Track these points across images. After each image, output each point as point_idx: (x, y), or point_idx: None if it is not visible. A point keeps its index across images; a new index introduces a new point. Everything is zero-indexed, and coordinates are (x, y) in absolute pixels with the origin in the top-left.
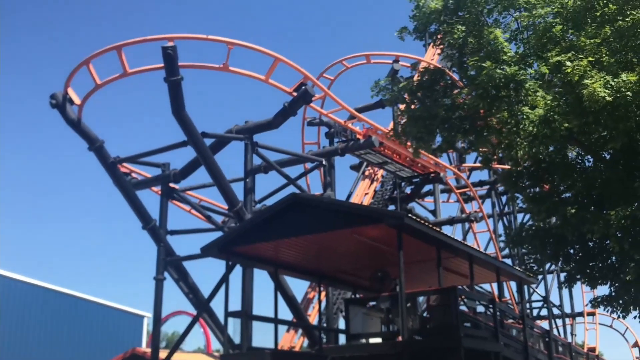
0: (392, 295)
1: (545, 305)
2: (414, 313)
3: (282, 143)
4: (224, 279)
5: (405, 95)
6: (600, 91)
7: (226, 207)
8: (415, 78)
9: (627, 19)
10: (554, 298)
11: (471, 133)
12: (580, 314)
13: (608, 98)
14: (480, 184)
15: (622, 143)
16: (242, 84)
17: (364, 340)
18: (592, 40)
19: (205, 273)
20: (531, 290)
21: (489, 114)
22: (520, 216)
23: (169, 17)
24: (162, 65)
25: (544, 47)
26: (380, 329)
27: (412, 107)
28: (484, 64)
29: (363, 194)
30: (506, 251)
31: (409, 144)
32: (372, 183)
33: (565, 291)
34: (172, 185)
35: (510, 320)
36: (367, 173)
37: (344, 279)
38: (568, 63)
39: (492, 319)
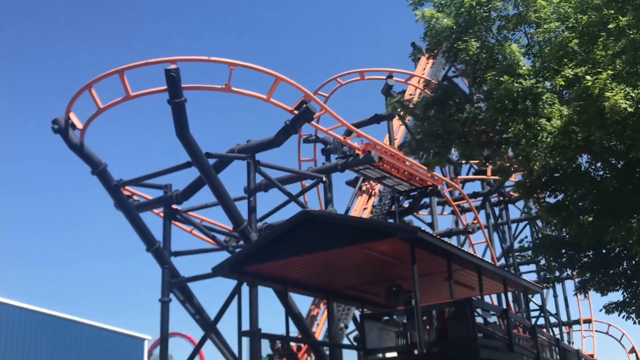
0: (407, 309)
1: (542, 314)
2: (429, 326)
3: (277, 160)
4: (231, 299)
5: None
6: (622, 103)
7: (228, 226)
8: (427, 94)
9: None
10: (550, 307)
11: (489, 146)
12: (577, 322)
13: (630, 109)
14: (474, 195)
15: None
16: (244, 103)
17: (380, 355)
18: (607, 53)
19: (210, 294)
20: (527, 299)
21: (506, 127)
22: (514, 226)
23: (169, 40)
24: (165, 87)
25: (560, 61)
26: (396, 343)
27: (425, 122)
28: (501, 78)
29: (362, 209)
30: (502, 261)
31: (416, 162)
32: (369, 198)
33: (561, 299)
34: (174, 206)
35: (514, 330)
36: (364, 188)
37: (351, 295)
38: (588, 77)
39: (502, 330)
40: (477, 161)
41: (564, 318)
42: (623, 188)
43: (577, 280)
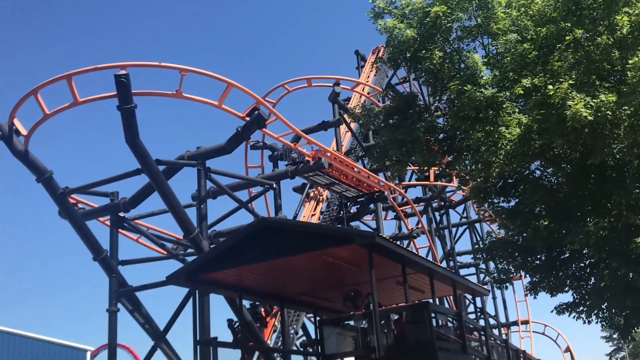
0: (366, 313)
1: (482, 316)
2: (387, 330)
3: (223, 167)
4: (182, 307)
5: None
6: (583, 111)
7: (175, 234)
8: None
9: (596, 44)
10: (489, 309)
11: (450, 154)
12: (515, 323)
13: (590, 117)
14: (417, 200)
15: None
16: (195, 109)
17: None
18: (563, 64)
19: (157, 303)
20: (467, 302)
21: (467, 135)
22: (454, 230)
23: (119, 45)
24: (114, 93)
25: (520, 72)
26: (354, 347)
27: (388, 130)
28: (465, 87)
29: (310, 215)
30: (443, 264)
31: (364, 168)
32: (317, 204)
33: (499, 301)
34: (121, 214)
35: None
36: (311, 195)
37: (305, 301)
38: (550, 87)
39: (454, 332)
40: (436, 168)
41: (502, 320)
42: (577, 193)
43: (527, 282)
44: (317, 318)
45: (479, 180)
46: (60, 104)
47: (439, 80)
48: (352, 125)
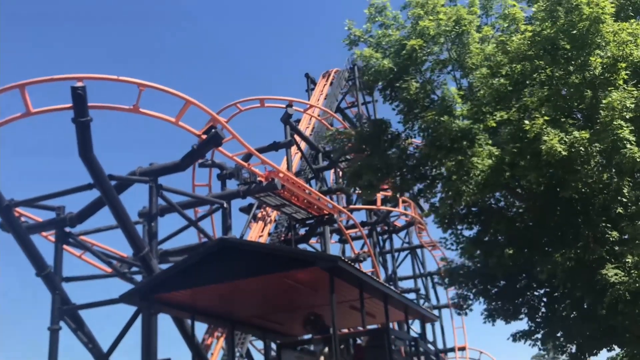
0: (325, 337)
1: (422, 341)
2: (347, 355)
3: (169, 183)
4: (129, 326)
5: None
6: (558, 146)
7: (119, 251)
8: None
9: (569, 82)
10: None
11: (423, 181)
12: (452, 349)
13: (564, 153)
14: (362, 224)
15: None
16: (148, 124)
17: None
18: (534, 99)
19: (102, 322)
20: (405, 327)
21: (441, 164)
22: (396, 255)
23: (77, 57)
24: (70, 105)
25: (495, 105)
26: None
27: (358, 156)
28: (442, 118)
29: (257, 236)
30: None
31: (315, 190)
32: (265, 225)
33: (437, 327)
34: (67, 229)
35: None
36: (259, 215)
37: (257, 324)
38: (526, 122)
39: (409, 357)
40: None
41: (440, 345)
42: (542, 224)
43: (483, 308)
44: (278, 341)
45: (446, 208)
46: (11, 113)
47: (412, 110)
48: (302, 146)
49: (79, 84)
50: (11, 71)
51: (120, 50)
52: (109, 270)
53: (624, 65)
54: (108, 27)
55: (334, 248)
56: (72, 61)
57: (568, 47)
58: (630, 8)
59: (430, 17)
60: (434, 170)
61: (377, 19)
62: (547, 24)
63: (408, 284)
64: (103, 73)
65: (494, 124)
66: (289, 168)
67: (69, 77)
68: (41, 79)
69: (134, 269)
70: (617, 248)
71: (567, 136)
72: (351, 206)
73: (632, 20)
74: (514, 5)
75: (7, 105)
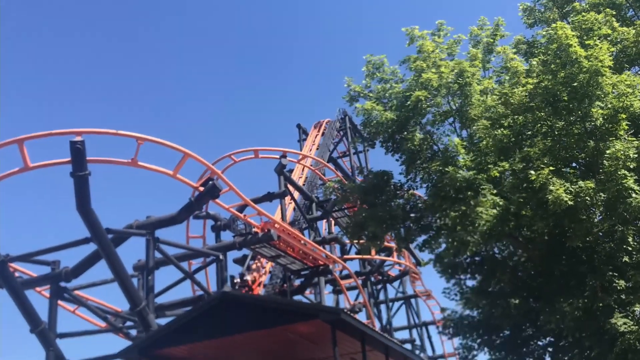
0: None
1: None
2: None
3: (162, 235)
4: None
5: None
6: (564, 196)
7: (113, 306)
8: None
9: (571, 133)
10: None
11: (428, 231)
12: None
13: (570, 202)
14: (357, 274)
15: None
16: (143, 176)
17: None
18: (536, 149)
19: None
20: None
21: (445, 214)
22: (390, 304)
23: (75, 111)
24: (68, 159)
25: (498, 156)
26: None
27: (363, 207)
28: (447, 169)
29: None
30: None
31: (310, 241)
32: (260, 277)
33: None
34: (62, 284)
35: None
36: (253, 267)
37: None
38: (532, 172)
39: None
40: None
41: None
42: (547, 273)
43: (487, 358)
44: None
45: (451, 258)
46: (9, 168)
47: (415, 161)
48: (296, 195)
49: (78, 138)
50: (9, 124)
51: (118, 101)
52: (104, 325)
53: (624, 116)
54: (106, 80)
55: (328, 299)
56: (70, 113)
57: (568, 98)
58: (625, 59)
59: (433, 70)
60: (439, 220)
61: (375, 75)
62: (547, 76)
63: (403, 334)
64: (101, 124)
65: (497, 174)
66: (283, 218)
67: (68, 132)
68: (40, 133)
69: (129, 323)
70: (624, 297)
71: (573, 186)
72: (345, 256)
73: (628, 72)
74: (514, 59)
75: (5, 160)
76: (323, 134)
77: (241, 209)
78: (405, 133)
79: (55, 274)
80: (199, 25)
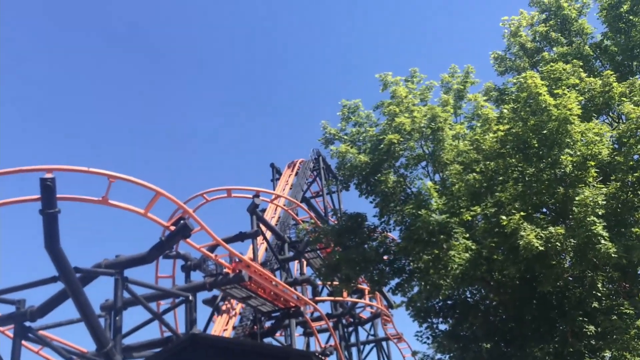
0: None
1: None
2: None
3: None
4: None
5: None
6: (535, 242)
7: (80, 347)
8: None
9: (542, 178)
10: None
11: (401, 274)
12: None
13: (541, 247)
14: (328, 316)
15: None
16: (116, 213)
17: None
18: (507, 195)
19: None
20: None
21: (418, 258)
22: (362, 347)
23: (46, 148)
24: (37, 196)
25: (469, 200)
26: None
27: (337, 249)
28: (419, 212)
29: (222, 330)
30: None
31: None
32: (230, 318)
33: None
34: (27, 324)
35: None
36: (223, 308)
37: None
38: (503, 217)
39: None
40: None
41: None
42: (518, 318)
43: None
44: None
45: (423, 302)
46: None
47: (389, 204)
48: (268, 235)
49: (49, 175)
50: None
51: (90, 138)
52: None
53: (593, 163)
54: (80, 116)
55: (299, 341)
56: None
57: (539, 145)
58: (593, 108)
59: (406, 115)
60: (412, 264)
61: (350, 118)
62: (518, 123)
63: None
64: (74, 161)
65: (470, 218)
66: (254, 259)
67: (38, 169)
68: (9, 170)
69: None
70: (594, 342)
71: (543, 231)
72: (317, 298)
73: (596, 121)
74: (485, 106)
75: None
76: (297, 173)
77: (212, 248)
78: (379, 175)
79: (20, 313)
80: (173, 63)
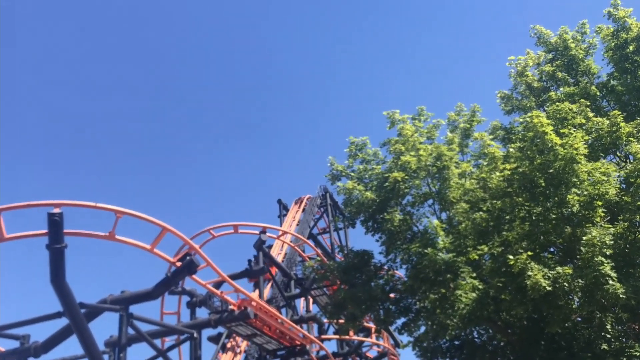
0: None
1: None
2: None
3: (135, 310)
4: None
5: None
6: (542, 282)
7: None
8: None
9: (549, 218)
10: None
11: (407, 314)
12: None
13: (548, 288)
14: (335, 355)
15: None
16: (122, 249)
17: None
18: (514, 234)
19: None
20: None
21: (424, 297)
22: None
23: (52, 183)
24: (45, 231)
25: (476, 239)
26: None
27: (343, 287)
28: (426, 251)
29: None
30: None
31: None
32: (235, 356)
33: None
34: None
35: None
36: (228, 345)
37: None
38: (510, 257)
39: None
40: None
41: None
42: (528, 359)
43: None
44: None
45: (430, 342)
46: None
47: (395, 242)
48: (274, 271)
49: (56, 210)
50: None
51: (98, 173)
52: None
53: (600, 203)
54: (83, 152)
55: None
56: (48, 185)
57: (545, 185)
58: (600, 148)
59: (412, 153)
60: (418, 303)
61: (358, 155)
62: (524, 162)
63: None
64: (81, 196)
65: (476, 257)
66: (260, 296)
67: (46, 204)
68: (18, 204)
69: None
70: None
71: (551, 271)
72: (323, 336)
73: (603, 160)
74: (492, 145)
75: None
76: (304, 210)
77: (218, 285)
78: (386, 214)
79: (24, 349)
80: (180, 99)
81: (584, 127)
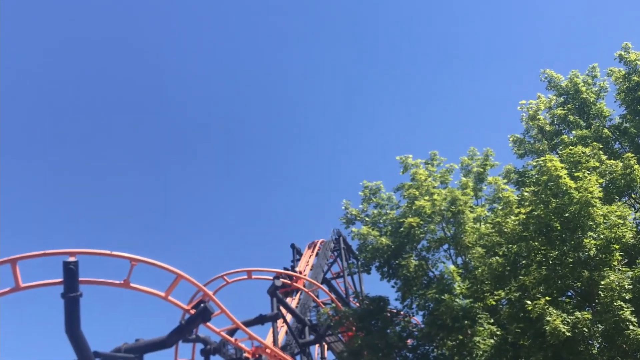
0: None
1: None
2: None
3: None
4: None
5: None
6: (561, 327)
7: None
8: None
9: (565, 262)
10: None
11: None
12: None
13: (568, 333)
14: None
15: None
16: (136, 296)
17: None
18: (532, 278)
19: None
20: None
21: (442, 344)
22: None
23: (67, 231)
24: (60, 280)
25: (493, 284)
26: None
27: (360, 333)
28: (443, 297)
29: None
30: None
31: None
32: None
33: None
34: None
35: None
36: None
37: None
38: (528, 302)
39: None
40: None
41: None
42: None
43: None
44: None
45: None
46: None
47: (411, 287)
48: (288, 318)
49: (72, 259)
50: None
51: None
52: None
53: (617, 246)
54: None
55: None
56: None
57: (561, 228)
58: (614, 191)
59: (426, 197)
60: (435, 350)
61: (372, 200)
62: (540, 206)
63: None
64: (94, 243)
65: (494, 303)
66: (275, 342)
67: (62, 252)
68: (34, 253)
69: None
70: None
71: (569, 316)
72: None
73: (618, 203)
74: (506, 189)
75: None
76: (317, 254)
77: (232, 331)
78: (401, 259)
79: None
80: (193, 141)
81: (597, 170)
